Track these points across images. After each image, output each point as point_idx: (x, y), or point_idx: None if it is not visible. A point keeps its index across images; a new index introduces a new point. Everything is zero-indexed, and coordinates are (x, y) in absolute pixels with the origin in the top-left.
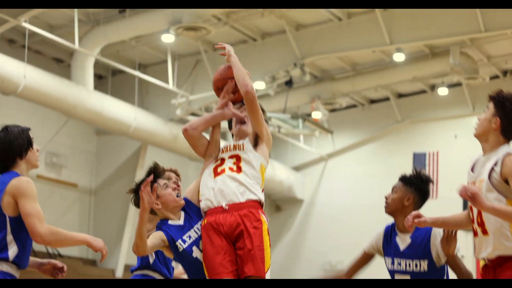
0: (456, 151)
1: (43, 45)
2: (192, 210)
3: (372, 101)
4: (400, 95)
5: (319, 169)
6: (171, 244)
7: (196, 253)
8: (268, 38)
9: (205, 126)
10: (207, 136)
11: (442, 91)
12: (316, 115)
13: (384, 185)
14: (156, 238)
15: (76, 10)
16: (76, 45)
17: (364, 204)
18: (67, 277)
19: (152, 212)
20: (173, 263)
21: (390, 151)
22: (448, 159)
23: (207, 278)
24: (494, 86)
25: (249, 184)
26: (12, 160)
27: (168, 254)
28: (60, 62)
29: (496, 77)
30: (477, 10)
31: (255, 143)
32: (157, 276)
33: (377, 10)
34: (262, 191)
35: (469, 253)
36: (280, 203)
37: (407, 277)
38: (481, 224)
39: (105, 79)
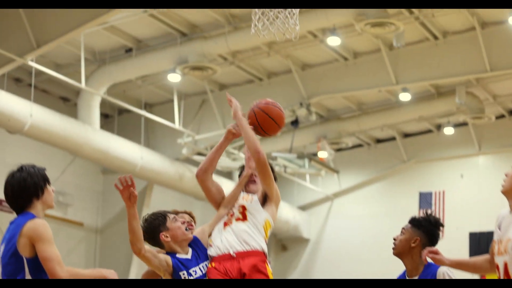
0: (462, 191)
1: (49, 84)
2: (200, 249)
3: (378, 141)
4: (406, 135)
5: (325, 208)
6: (175, 271)
7: None
8: (274, 77)
9: (211, 162)
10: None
11: (448, 130)
12: (322, 154)
13: (390, 225)
14: (161, 256)
15: (82, 49)
16: (83, 84)
17: (370, 244)
18: None
19: (160, 245)
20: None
21: (396, 190)
22: (454, 198)
23: None
24: (500, 126)
25: (253, 234)
26: (28, 200)
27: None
28: (66, 101)
29: (502, 116)
30: (483, 50)
31: (264, 201)
32: None
33: (383, 50)
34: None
35: None
36: (286, 242)
37: None
38: (508, 274)
39: (112, 118)
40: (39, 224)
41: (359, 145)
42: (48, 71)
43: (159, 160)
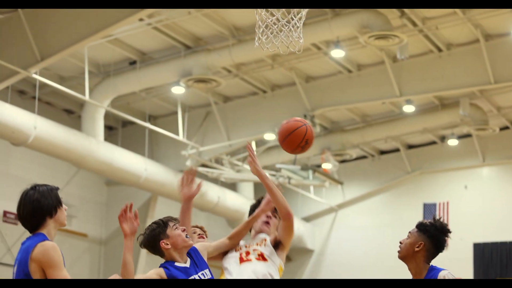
0: (466, 202)
1: (53, 96)
2: (198, 259)
3: (382, 152)
4: (410, 146)
5: (329, 219)
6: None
7: None
8: (278, 90)
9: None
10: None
11: (452, 142)
12: (326, 166)
13: (394, 236)
14: (152, 274)
15: (86, 61)
16: (87, 97)
17: (374, 255)
18: None
19: (161, 253)
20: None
21: (400, 202)
22: (458, 209)
23: None
24: (504, 137)
25: (273, 273)
26: (41, 219)
27: None
28: (70, 113)
29: (506, 128)
30: (487, 61)
31: (275, 246)
32: None
33: (386, 62)
34: None
35: None
36: (290, 253)
37: None
38: None
39: (116, 130)
40: (48, 248)
41: (363, 157)
42: (52, 84)
43: (163, 172)
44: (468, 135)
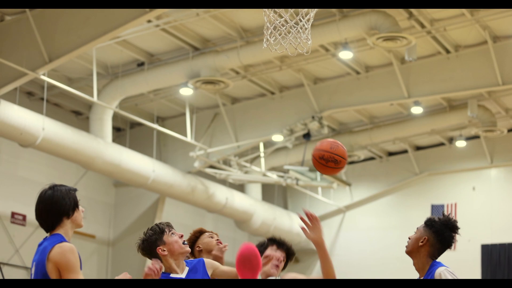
0: (474, 203)
1: (61, 97)
2: (197, 270)
3: (390, 154)
4: (418, 148)
5: (337, 221)
6: None
7: None
8: (286, 91)
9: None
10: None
11: (460, 143)
12: None
13: (402, 238)
14: None
15: (94, 63)
16: (95, 98)
17: (382, 256)
18: None
19: (159, 258)
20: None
21: (408, 203)
22: (466, 211)
23: None
24: None
25: None
26: (58, 219)
27: None
28: (78, 115)
29: None
30: (495, 63)
31: None
32: None
33: (395, 63)
34: None
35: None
36: (298, 254)
37: None
38: None
39: (124, 131)
40: (66, 250)
41: (371, 158)
42: (61, 85)
43: (171, 173)
44: (476, 137)
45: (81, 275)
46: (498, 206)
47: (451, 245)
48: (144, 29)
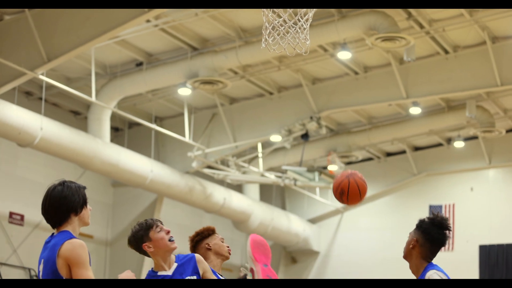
0: (472, 204)
1: (60, 97)
2: (185, 266)
3: (388, 154)
4: (416, 148)
5: (335, 221)
6: None
7: None
8: (284, 91)
9: None
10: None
11: (458, 144)
12: (332, 168)
13: (400, 238)
14: None
15: (93, 63)
16: (93, 98)
17: (379, 257)
18: None
19: (147, 254)
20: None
21: (406, 204)
22: (464, 211)
23: None
24: (510, 139)
25: None
26: (66, 215)
27: None
28: (77, 115)
29: None
30: (493, 63)
31: None
32: None
33: (393, 63)
34: None
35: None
36: (295, 255)
37: None
38: None
39: (122, 131)
40: (76, 245)
41: (369, 159)
42: (59, 85)
43: (169, 173)
44: (474, 137)
45: (90, 271)
46: (496, 207)
47: (443, 243)
48: (142, 29)
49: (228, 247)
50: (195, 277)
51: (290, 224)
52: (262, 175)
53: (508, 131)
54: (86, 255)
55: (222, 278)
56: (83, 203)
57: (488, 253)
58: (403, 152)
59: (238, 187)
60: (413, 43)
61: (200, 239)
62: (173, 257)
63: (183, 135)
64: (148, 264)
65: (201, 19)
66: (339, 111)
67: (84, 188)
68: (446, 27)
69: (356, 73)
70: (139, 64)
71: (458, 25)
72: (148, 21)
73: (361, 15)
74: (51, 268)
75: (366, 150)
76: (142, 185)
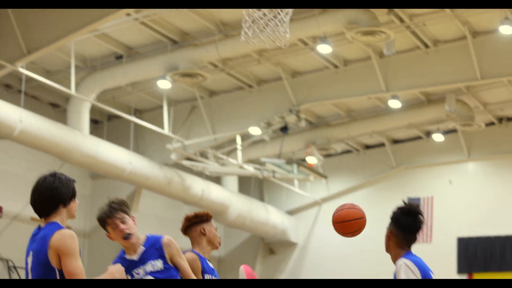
0: (451, 197)
1: (39, 90)
2: (153, 252)
3: (367, 147)
4: (395, 141)
5: (313, 213)
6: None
7: None
8: (264, 84)
9: None
10: None
11: (438, 137)
12: (311, 160)
13: (378, 231)
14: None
15: (73, 55)
16: (73, 91)
17: (357, 249)
18: None
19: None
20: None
21: (385, 196)
22: (443, 204)
23: None
24: (490, 133)
25: None
26: (55, 206)
27: None
28: (56, 107)
29: (492, 124)
30: (473, 57)
31: None
32: None
33: (373, 57)
34: None
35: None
36: (274, 246)
37: None
38: None
39: (101, 124)
40: (66, 236)
41: (348, 151)
42: (39, 78)
43: (148, 165)
44: (453, 131)
45: (80, 262)
46: (475, 200)
47: (415, 230)
48: (122, 22)
49: (219, 238)
50: (160, 262)
51: (269, 215)
52: (241, 167)
53: (487, 124)
54: (76, 246)
55: (211, 264)
56: (72, 195)
57: (466, 246)
58: (382, 145)
59: (217, 179)
60: (393, 37)
61: (197, 222)
62: (141, 239)
63: (162, 128)
64: None
65: (181, 13)
66: (318, 104)
67: (74, 181)
68: (426, 21)
69: (336, 66)
70: (119, 57)
71: (439, 19)
72: (128, 14)
73: (342, 9)
74: (42, 260)
75: (345, 143)
76: (120, 177)
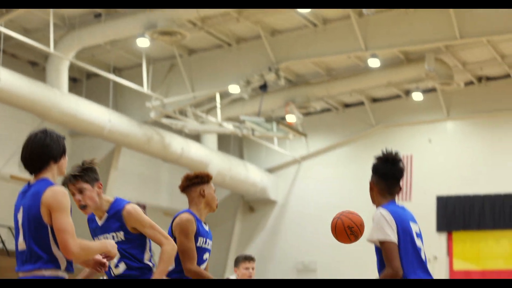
0: (430, 155)
1: (18, 48)
2: (113, 222)
3: (347, 106)
4: (375, 100)
5: (293, 171)
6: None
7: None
8: (243, 43)
9: None
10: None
11: (417, 96)
12: (290, 118)
13: (357, 188)
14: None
15: (51, 14)
16: (51, 49)
17: (337, 206)
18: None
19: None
20: None
21: (364, 154)
22: (422, 163)
23: None
24: (469, 92)
25: None
26: (46, 162)
27: None
28: (35, 66)
29: (471, 83)
30: (453, 17)
31: None
32: None
33: (352, 16)
34: None
35: (442, 254)
36: (253, 204)
37: None
38: None
39: (80, 82)
40: (58, 192)
41: (328, 110)
42: (17, 36)
43: (127, 123)
44: (433, 90)
45: (70, 218)
46: (454, 159)
47: (395, 176)
48: None
49: (217, 200)
50: (121, 233)
51: (248, 173)
52: (220, 125)
53: (466, 84)
54: (68, 202)
55: (206, 227)
56: (63, 152)
57: (445, 204)
58: (362, 103)
59: (196, 137)
60: None
61: (197, 183)
62: (107, 203)
63: (142, 86)
64: None
65: None
66: (297, 62)
67: (64, 138)
68: None
69: (315, 25)
70: (98, 15)
71: None
72: None
73: None
74: (34, 216)
75: (324, 101)
76: (100, 135)
